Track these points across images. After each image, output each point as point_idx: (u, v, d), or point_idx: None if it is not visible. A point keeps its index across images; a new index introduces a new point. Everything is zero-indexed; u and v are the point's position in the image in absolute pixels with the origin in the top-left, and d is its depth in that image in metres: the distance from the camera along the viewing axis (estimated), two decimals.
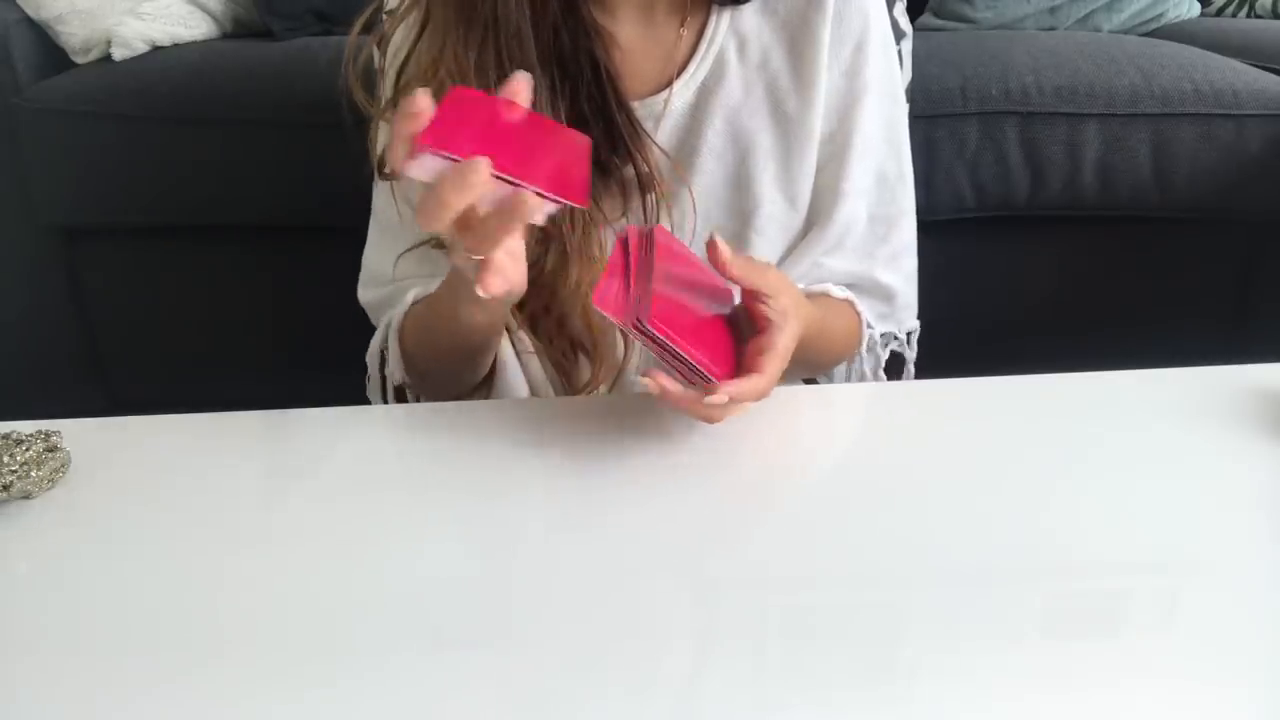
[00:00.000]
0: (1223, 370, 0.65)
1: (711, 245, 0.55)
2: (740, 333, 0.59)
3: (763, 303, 0.56)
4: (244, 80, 1.33)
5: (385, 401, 0.77)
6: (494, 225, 0.50)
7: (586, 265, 0.70)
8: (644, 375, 0.54)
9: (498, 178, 0.48)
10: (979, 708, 0.39)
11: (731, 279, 0.56)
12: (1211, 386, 0.63)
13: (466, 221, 0.51)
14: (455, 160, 0.48)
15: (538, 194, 0.49)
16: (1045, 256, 1.42)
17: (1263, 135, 1.32)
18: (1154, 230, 1.39)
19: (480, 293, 0.51)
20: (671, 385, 0.53)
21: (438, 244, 0.72)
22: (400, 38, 0.71)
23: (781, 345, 0.56)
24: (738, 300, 0.60)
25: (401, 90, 0.70)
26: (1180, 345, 1.42)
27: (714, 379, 0.53)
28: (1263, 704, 0.39)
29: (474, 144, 0.48)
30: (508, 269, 0.52)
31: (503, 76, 0.65)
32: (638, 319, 0.51)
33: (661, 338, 0.52)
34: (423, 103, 0.48)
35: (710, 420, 0.56)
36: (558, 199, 0.50)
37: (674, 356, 0.53)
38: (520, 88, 0.52)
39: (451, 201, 0.48)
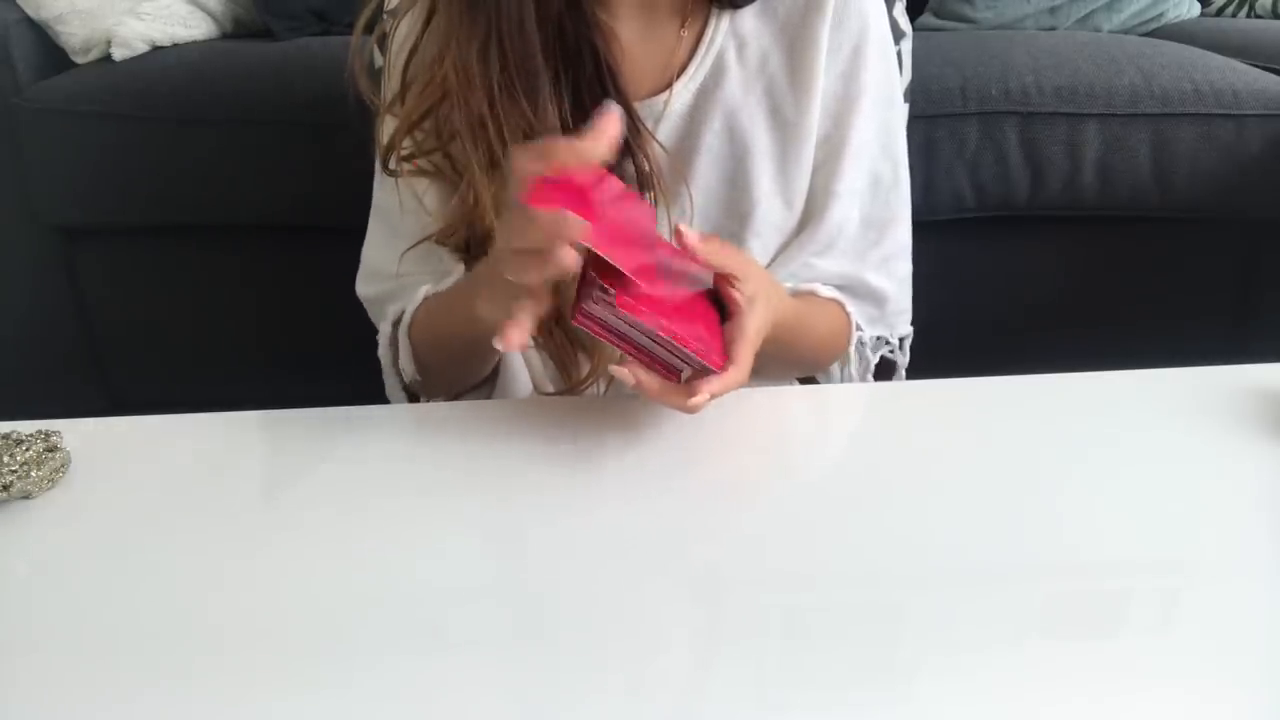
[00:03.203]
0: (1223, 370, 0.65)
1: (678, 234, 0.55)
2: (721, 309, 0.59)
3: (733, 286, 0.57)
4: (244, 80, 1.33)
5: (404, 395, 0.77)
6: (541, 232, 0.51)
7: None
8: (618, 365, 0.54)
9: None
10: (979, 708, 0.39)
11: (701, 263, 0.57)
12: (1211, 386, 0.63)
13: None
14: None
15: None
16: (1045, 256, 1.42)
17: (1263, 135, 1.32)
18: (1154, 230, 1.39)
19: (497, 345, 0.52)
20: (646, 378, 0.54)
21: (440, 240, 0.72)
22: (405, 31, 0.71)
23: (751, 330, 0.57)
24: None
25: (408, 85, 0.70)
26: (1180, 345, 1.42)
27: (712, 367, 0.54)
28: (1263, 704, 0.39)
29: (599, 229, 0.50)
30: (530, 324, 0.53)
31: (505, 68, 0.66)
32: (608, 312, 0.52)
33: (642, 323, 0.52)
34: (601, 151, 0.51)
35: (688, 412, 0.56)
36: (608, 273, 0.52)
37: (656, 346, 0.54)
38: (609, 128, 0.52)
39: (533, 239, 0.50)
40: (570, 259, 0.50)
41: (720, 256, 0.57)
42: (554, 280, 0.53)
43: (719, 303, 0.59)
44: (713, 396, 0.54)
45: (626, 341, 0.54)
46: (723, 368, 0.55)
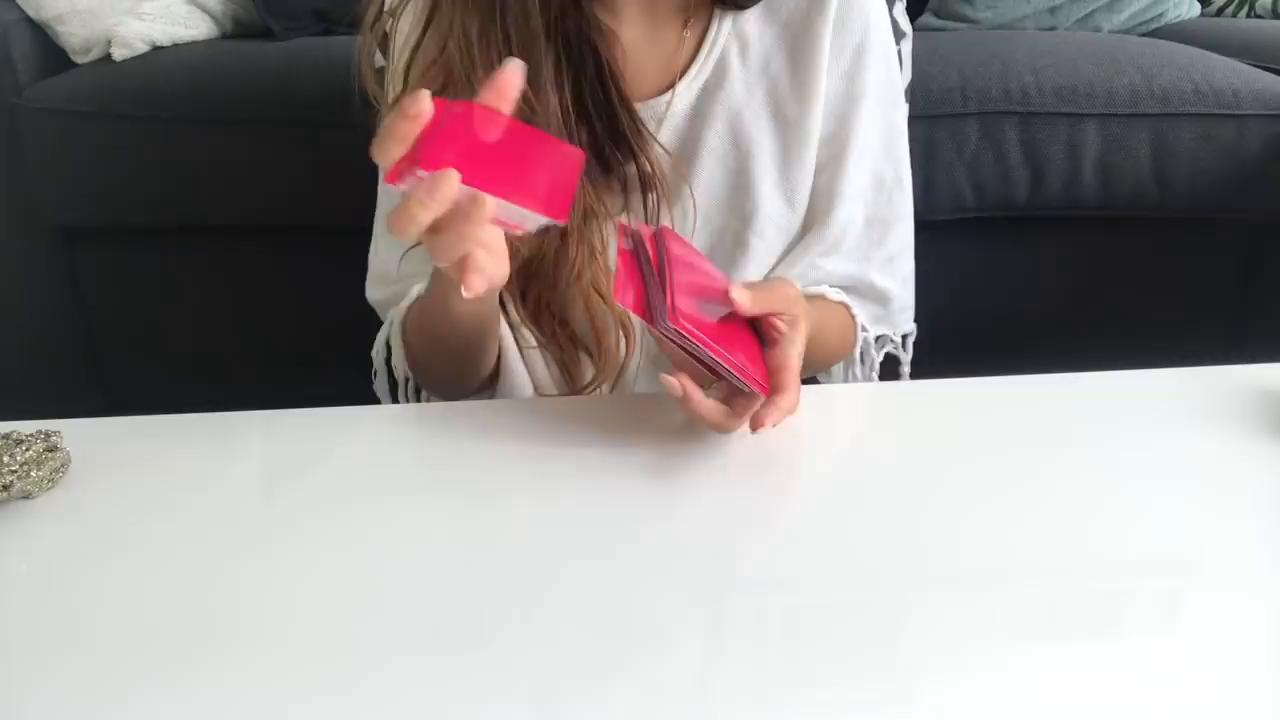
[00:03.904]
0: (1223, 370, 0.65)
1: (727, 296, 0.56)
2: (757, 330, 0.59)
3: (776, 317, 0.57)
4: (244, 80, 1.33)
5: (393, 397, 0.77)
6: (455, 231, 0.49)
7: (588, 257, 0.70)
8: (667, 374, 0.54)
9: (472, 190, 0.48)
10: (979, 708, 0.39)
11: (754, 317, 0.57)
12: (1211, 386, 0.63)
13: (435, 227, 0.50)
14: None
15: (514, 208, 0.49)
16: (1045, 256, 1.42)
17: (1263, 135, 1.32)
18: (1154, 230, 1.39)
19: (465, 293, 0.51)
20: (695, 393, 0.54)
21: None
22: (407, 31, 0.71)
23: (795, 356, 0.57)
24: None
25: (411, 85, 0.70)
26: (1180, 345, 1.42)
27: (757, 390, 0.54)
28: (1263, 704, 0.39)
29: (455, 160, 0.47)
30: (486, 265, 0.51)
31: (509, 46, 0.66)
32: (670, 323, 0.52)
33: (696, 344, 0.52)
34: (424, 104, 0.47)
35: (724, 430, 0.56)
36: (532, 212, 0.50)
37: (704, 362, 0.54)
38: (512, 78, 0.50)
39: (418, 214, 0.47)
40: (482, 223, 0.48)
41: (768, 302, 0.57)
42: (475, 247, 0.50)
43: (753, 324, 0.59)
44: (773, 425, 0.54)
45: (694, 355, 0.54)
46: (767, 393, 0.55)
